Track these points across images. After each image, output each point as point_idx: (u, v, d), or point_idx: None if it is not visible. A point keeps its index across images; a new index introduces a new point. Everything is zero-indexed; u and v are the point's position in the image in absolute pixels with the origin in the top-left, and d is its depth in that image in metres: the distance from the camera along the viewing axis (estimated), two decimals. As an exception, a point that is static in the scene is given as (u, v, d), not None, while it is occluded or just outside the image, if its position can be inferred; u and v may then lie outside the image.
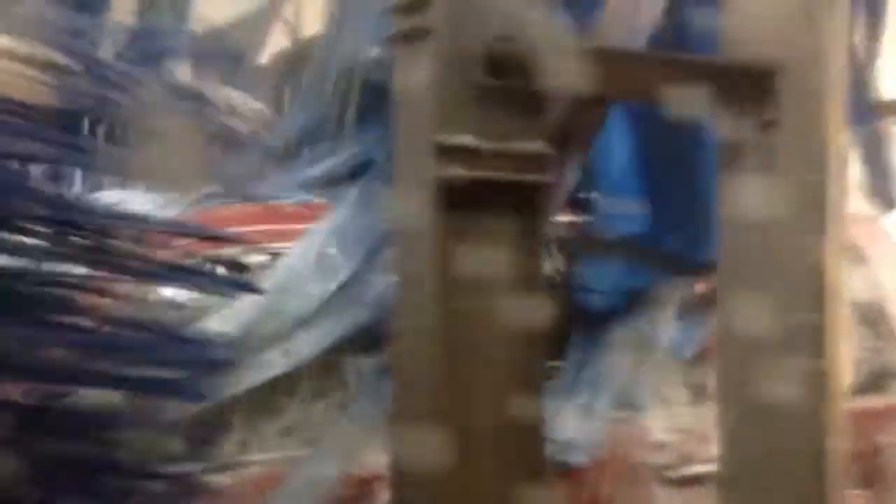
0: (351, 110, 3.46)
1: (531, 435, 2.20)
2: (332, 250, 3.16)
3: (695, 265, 3.40)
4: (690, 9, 2.58)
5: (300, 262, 3.11)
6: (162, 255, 2.41)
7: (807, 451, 2.35)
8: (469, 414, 2.11)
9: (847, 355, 2.63)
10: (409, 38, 2.15)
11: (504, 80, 2.08)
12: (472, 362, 2.13)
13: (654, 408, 3.54)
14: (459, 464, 2.02)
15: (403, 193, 2.21)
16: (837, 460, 2.37)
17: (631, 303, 3.52)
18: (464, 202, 2.08)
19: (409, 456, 2.11)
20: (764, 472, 2.40)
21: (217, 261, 2.99)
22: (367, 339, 3.09)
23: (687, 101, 2.23)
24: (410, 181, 2.16)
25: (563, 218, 3.34)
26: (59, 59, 2.38)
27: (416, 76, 2.14)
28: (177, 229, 2.70)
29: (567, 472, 3.21)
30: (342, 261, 3.13)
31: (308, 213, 3.31)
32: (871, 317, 4.06)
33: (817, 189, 2.35)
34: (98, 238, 2.19)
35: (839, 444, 2.37)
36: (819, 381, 2.35)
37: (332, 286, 3.10)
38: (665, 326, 3.59)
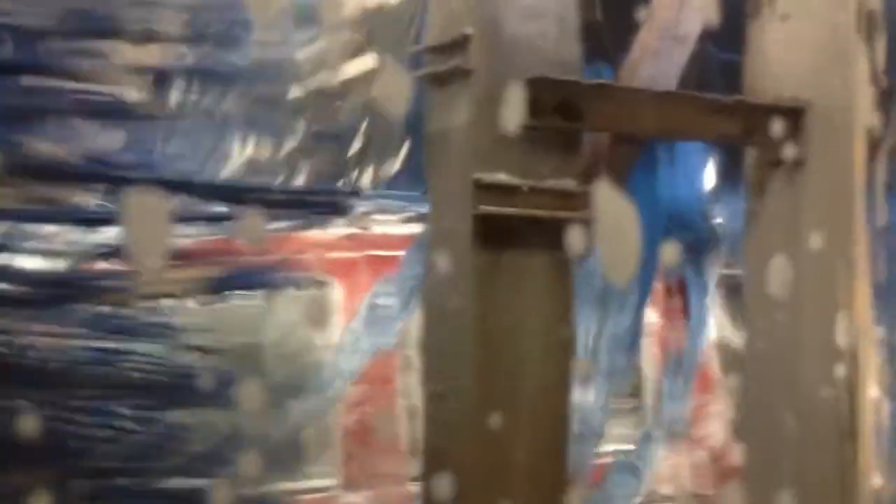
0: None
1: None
2: (389, 300, 3.17)
3: None
4: (720, 50, 2.63)
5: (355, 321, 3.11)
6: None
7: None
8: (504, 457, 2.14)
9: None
10: (446, 78, 2.20)
11: (540, 120, 2.12)
12: (506, 400, 2.16)
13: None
14: None
15: (440, 230, 2.24)
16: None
17: None
18: (501, 238, 2.12)
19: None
20: None
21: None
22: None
23: (716, 139, 2.28)
24: (448, 218, 2.20)
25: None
26: None
27: (452, 116, 2.18)
28: None
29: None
30: (398, 311, 3.12)
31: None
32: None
33: (845, 223, 2.39)
34: None
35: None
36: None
37: (389, 339, 3.09)
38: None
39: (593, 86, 2.13)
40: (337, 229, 3.23)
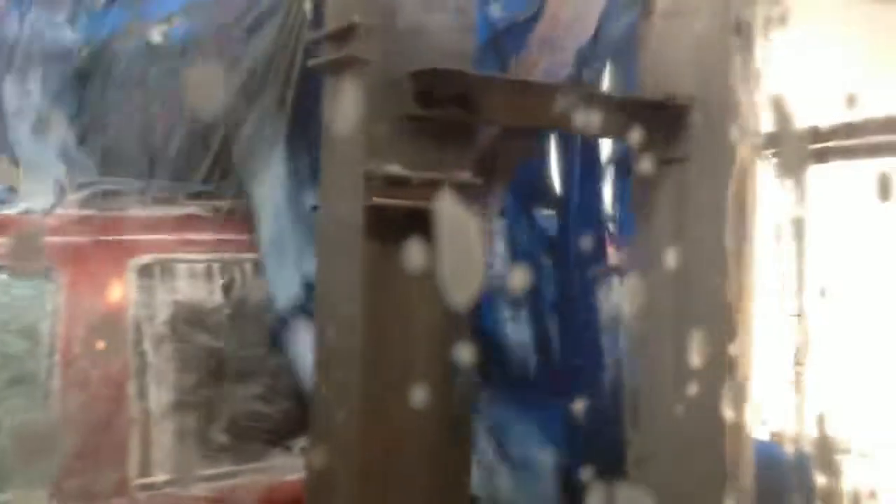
0: None
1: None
2: None
3: None
4: (610, 45, 2.67)
5: None
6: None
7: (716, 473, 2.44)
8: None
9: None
10: (339, 67, 2.18)
11: (432, 110, 2.12)
12: (396, 387, 2.16)
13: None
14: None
15: (332, 221, 2.23)
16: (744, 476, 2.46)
17: None
18: (392, 230, 2.12)
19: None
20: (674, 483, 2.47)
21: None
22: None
23: (604, 134, 2.32)
24: (340, 209, 2.18)
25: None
26: None
27: (345, 105, 2.16)
28: None
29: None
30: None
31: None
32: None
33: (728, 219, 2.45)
34: None
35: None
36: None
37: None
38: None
39: (486, 78, 2.14)
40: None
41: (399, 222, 2.12)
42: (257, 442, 2.57)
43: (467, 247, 1.85)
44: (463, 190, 2.19)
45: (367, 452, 2.12)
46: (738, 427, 2.41)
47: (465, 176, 2.20)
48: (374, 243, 2.12)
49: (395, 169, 2.14)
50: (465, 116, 2.11)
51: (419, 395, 2.16)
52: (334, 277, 2.26)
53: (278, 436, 2.60)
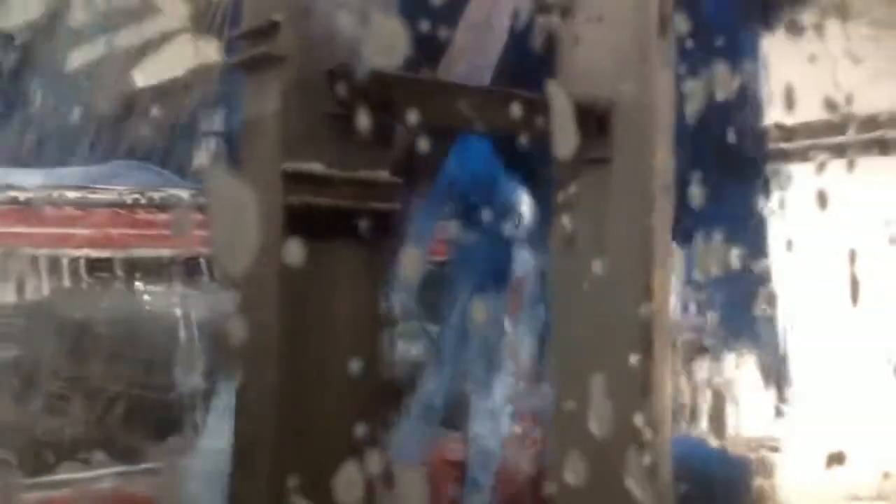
0: None
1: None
2: None
3: None
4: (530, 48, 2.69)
5: None
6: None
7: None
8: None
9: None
10: (258, 64, 2.17)
11: (349, 110, 2.12)
12: (313, 391, 2.15)
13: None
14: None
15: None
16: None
17: None
18: (311, 228, 2.11)
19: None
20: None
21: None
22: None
23: (525, 135, 2.34)
24: (259, 207, 2.17)
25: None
26: None
27: (264, 102, 2.15)
28: None
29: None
30: None
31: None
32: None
33: (645, 224, 2.49)
34: None
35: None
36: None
37: None
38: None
39: (403, 78, 2.14)
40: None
41: (319, 221, 2.12)
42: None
43: (239, 217, 1.82)
44: (384, 189, 2.20)
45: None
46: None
47: (385, 175, 2.21)
48: (291, 241, 2.11)
49: (314, 167, 2.13)
50: (383, 116, 2.11)
51: (338, 394, 2.16)
52: (254, 277, 2.25)
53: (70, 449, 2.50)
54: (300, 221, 2.11)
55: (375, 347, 2.25)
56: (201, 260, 3.00)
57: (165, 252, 2.96)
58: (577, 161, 2.46)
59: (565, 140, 2.15)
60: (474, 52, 2.42)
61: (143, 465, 2.63)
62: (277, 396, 2.08)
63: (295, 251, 2.09)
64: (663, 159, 2.52)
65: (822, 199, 2.79)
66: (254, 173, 2.24)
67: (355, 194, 2.15)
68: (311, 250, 2.11)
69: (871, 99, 4.13)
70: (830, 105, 2.95)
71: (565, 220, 2.56)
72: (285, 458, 2.11)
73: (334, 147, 2.15)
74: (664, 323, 2.44)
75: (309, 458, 2.12)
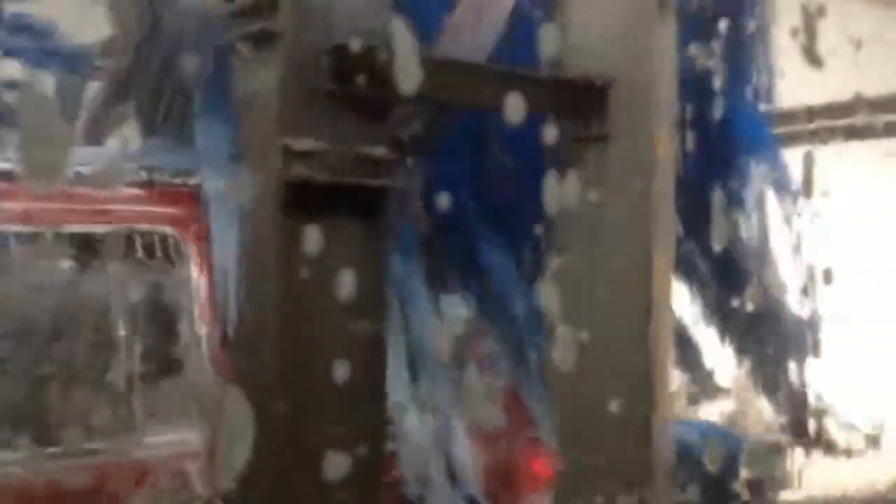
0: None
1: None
2: None
3: None
4: (530, 25, 2.68)
5: None
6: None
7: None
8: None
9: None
10: (254, 41, 2.16)
11: (349, 85, 2.11)
12: (312, 363, 2.15)
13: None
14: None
15: (251, 196, 2.21)
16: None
17: None
18: (309, 205, 2.11)
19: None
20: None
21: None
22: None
23: (522, 112, 2.33)
24: (257, 184, 2.17)
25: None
26: None
27: (261, 79, 2.15)
28: None
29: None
30: None
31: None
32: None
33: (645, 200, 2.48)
34: None
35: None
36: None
37: None
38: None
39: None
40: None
41: (316, 197, 2.12)
42: None
43: (51, 129, 1.79)
44: (382, 165, 2.20)
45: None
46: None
47: (383, 152, 2.20)
48: (290, 218, 2.11)
49: (311, 144, 2.12)
50: (381, 93, 2.10)
51: (337, 374, 2.16)
52: (253, 254, 2.25)
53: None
54: (299, 198, 2.11)
55: (376, 323, 2.25)
56: (136, 237, 2.95)
57: (99, 228, 2.90)
58: (575, 139, 2.46)
59: (408, 77, 2.10)
60: (475, 29, 2.41)
61: (74, 448, 2.62)
62: (276, 371, 2.08)
63: (295, 227, 2.09)
64: (664, 135, 2.52)
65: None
66: (252, 151, 2.24)
67: (354, 170, 2.14)
68: (309, 226, 2.11)
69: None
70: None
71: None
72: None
73: (333, 124, 2.14)
74: (666, 310, 2.44)
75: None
